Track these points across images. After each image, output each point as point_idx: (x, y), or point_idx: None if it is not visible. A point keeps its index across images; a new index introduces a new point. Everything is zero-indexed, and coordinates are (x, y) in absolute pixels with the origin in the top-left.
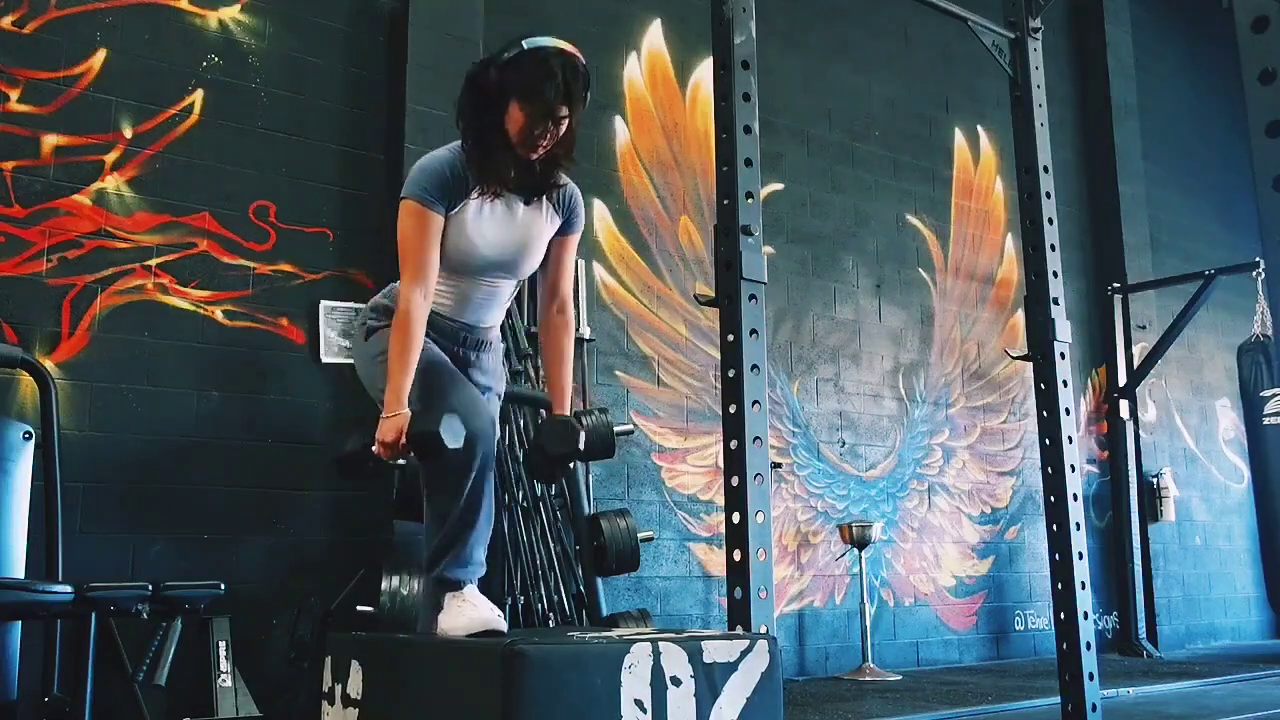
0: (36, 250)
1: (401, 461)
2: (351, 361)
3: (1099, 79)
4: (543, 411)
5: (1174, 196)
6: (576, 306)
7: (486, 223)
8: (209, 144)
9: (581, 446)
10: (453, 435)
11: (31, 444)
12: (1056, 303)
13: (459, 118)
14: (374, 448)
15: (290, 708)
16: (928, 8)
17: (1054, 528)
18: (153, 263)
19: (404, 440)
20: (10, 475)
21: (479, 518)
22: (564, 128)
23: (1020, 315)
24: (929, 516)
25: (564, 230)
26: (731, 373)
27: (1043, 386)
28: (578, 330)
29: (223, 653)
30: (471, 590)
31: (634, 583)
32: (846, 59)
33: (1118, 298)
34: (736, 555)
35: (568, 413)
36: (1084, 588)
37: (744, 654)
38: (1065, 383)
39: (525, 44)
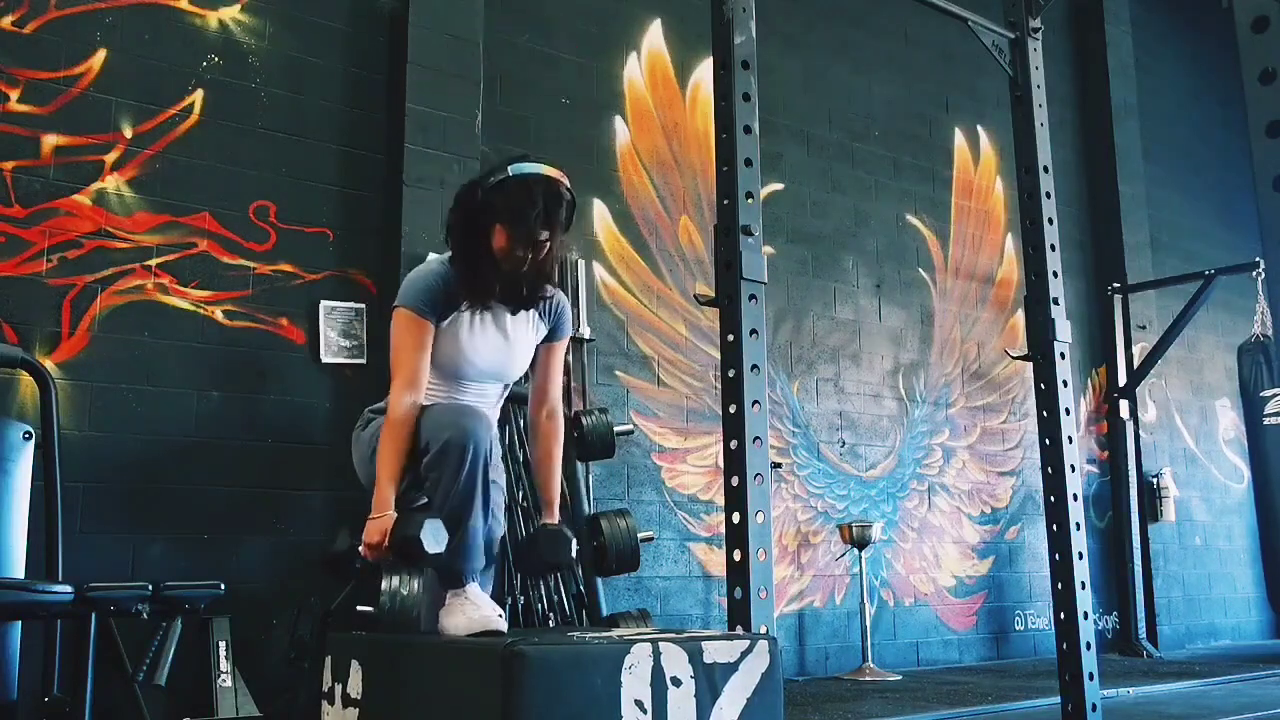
0: (36, 250)
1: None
2: (352, 362)
3: (1099, 79)
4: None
5: (1174, 196)
6: (576, 306)
7: (479, 336)
8: (209, 144)
9: (574, 555)
10: (434, 541)
11: (31, 444)
12: (1056, 303)
13: (448, 234)
14: (360, 548)
15: (290, 708)
16: (928, 8)
17: (1054, 528)
18: (153, 263)
19: (387, 543)
20: (10, 475)
21: (472, 511)
22: (544, 250)
23: (1020, 315)
24: (929, 516)
25: (550, 337)
26: (731, 373)
27: (1043, 386)
28: (577, 330)
29: (223, 653)
30: (474, 589)
31: (634, 583)
32: (846, 59)
33: (1118, 298)
34: (736, 555)
35: (557, 520)
36: (1084, 588)
37: (744, 654)
38: (1065, 383)
39: (511, 170)
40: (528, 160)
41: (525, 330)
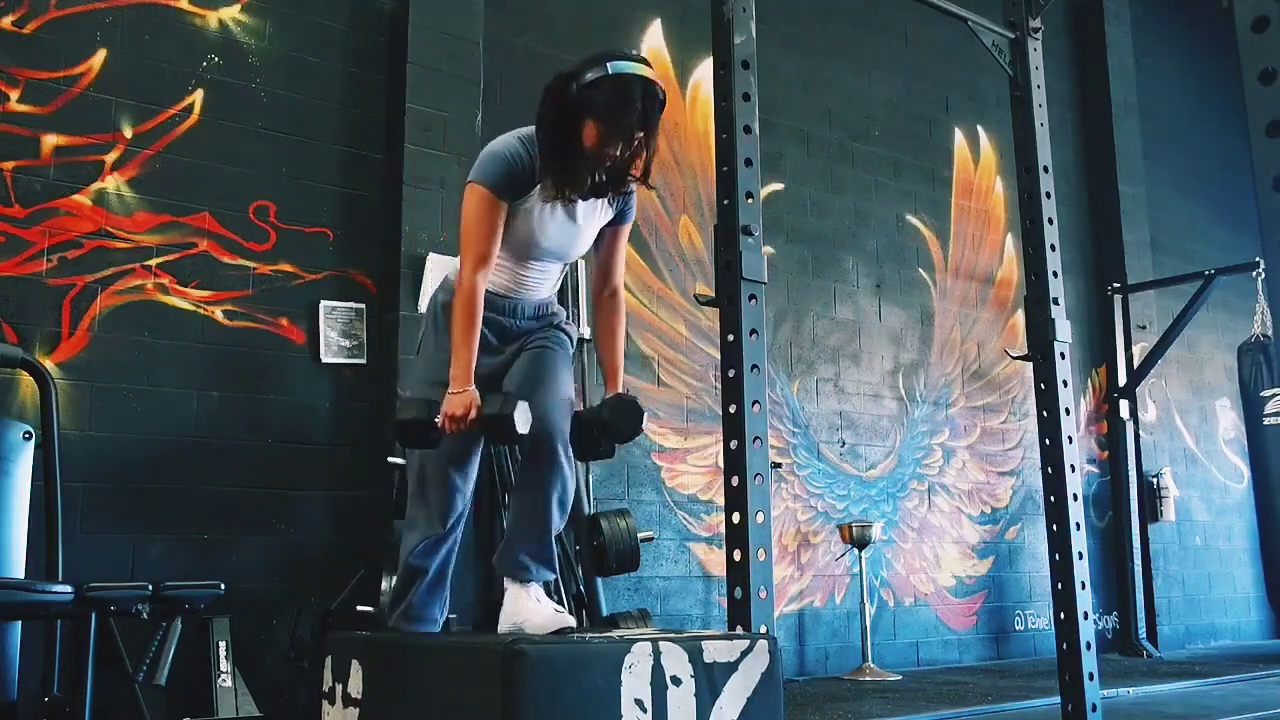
0: (36, 250)
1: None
2: (352, 362)
3: (1099, 79)
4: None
5: (1174, 196)
6: (576, 306)
7: (549, 220)
8: (209, 144)
9: (644, 427)
10: (524, 420)
11: (31, 444)
12: (1056, 303)
13: (539, 128)
14: (438, 420)
15: (290, 708)
16: (928, 8)
17: (1054, 528)
18: (153, 263)
19: (473, 418)
20: (10, 475)
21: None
22: (635, 148)
23: (1020, 315)
24: (929, 516)
25: (617, 221)
26: (731, 373)
27: (1043, 386)
28: (578, 329)
29: (223, 653)
30: (537, 588)
31: (634, 583)
32: (846, 59)
33: (1118, 298)
34: (736, 555)
35: (622, 389)
36: (1084, 588)
37: (744, 654)
38: (1065, 383)
39: (609, 67)
40: (624, 58)
41: (593, 215)
